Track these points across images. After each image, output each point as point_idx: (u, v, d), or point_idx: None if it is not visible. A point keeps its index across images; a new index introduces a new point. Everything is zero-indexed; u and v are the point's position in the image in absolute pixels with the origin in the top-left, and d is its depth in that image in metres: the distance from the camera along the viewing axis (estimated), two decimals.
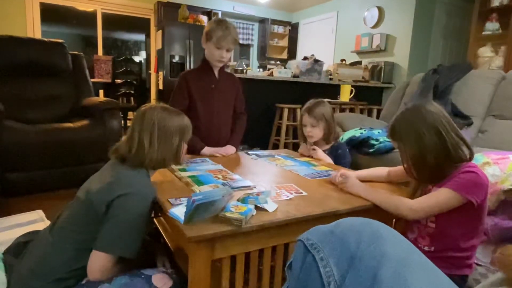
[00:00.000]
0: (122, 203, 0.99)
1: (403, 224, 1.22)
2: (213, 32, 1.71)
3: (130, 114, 5.16)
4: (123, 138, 1.16)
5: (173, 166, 1.47)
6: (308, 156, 1.83)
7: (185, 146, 1.23)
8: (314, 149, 1.79)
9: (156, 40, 6.25)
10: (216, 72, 1.87)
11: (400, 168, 1.29)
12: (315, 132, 1.78)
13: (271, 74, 3.99)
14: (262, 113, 3.89)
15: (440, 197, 1.05)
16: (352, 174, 1.37)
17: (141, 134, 1.11)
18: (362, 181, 1.29)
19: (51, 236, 1.05)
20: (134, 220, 1.00)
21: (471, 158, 1.11)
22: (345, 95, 4.02)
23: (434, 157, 1.08)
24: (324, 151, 1.81)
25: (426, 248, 1.13)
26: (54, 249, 1.02)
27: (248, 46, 7.39)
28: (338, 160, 1.80)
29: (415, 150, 1.11)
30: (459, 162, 1.08)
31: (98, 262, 0.98)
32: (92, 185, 1.06)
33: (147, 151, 1.10)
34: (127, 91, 4.82)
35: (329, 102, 3.62)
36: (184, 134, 1.19)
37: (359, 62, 5.21)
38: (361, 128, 2.56)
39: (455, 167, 1.08)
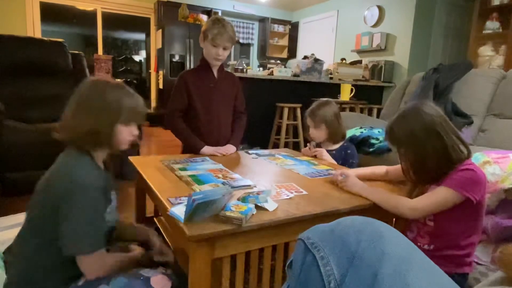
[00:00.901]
0: (66, 199, 0.92)
1: (403, 223, 1.22)
2: (209, 31, 1.72)
3: None
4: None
5: (173, 165, 1.47)
6: (310, 156, 1.83)
7: (130, 131, 1.08)
8: (316, 151, 1.79)
9: (156, 39, 6.25)
10: (215, 72, 1.87)
11: (398, 167, 1.29)
12: (317, 134, 1.79)
13: (271, 73, 3.99)
14: (262, 112, 3.88)
15: (439, 195, 1.06)
16: (352, 172, 1.37)
17: (69, 105, 1.01)
18: (361, 178, 1.29)
19: (17, 239, 1.00)
20: (86, 214, 0.93)
21: (469, 156, 1.11)
22: (345, 94, 4.02)
23: (435, 161, 1.08)
24: (332, 150, 1.81)
25: (425, 247, 1.13)
26: (18, 258, 0.98)
27: (248, 45, 7.38)
28: (346, 160, 1.79)
29: (415, 155, 1.11)
30: (459, 162, 1.08)
31: (82, 265, 0.95)
32: (44, 175, 1.00)
33: (76, 122, 0.99)
34: None
35: None
36: (119, 111, 1.03)
37: (359, 61, 5.21)
38: (361, 127, 2.56)
39: (454, 167, 1.08)
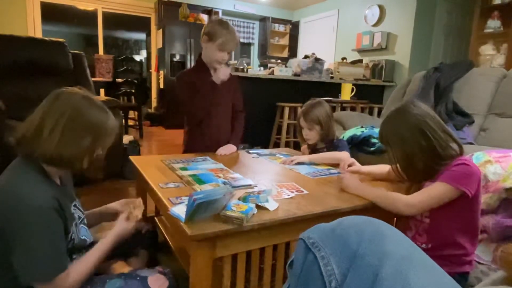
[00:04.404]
0: (14, 223, 0.82)
1: (404, 223, 1.22)
2: (217, 34, 1.71)
3: (131, 113, 5.16)
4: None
5: (174, 165, 1.47)
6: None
7: (97, 151, 0.98)
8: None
9: (156, 39, 6.25)
10: (212, 71, 1.87)
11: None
12: (311, 135, 1.78)
13: (272, 73, 3.98)
14: (263, 112, 3.88)
15: (435, 191, 1.06)
16: (359, 168, 1.41)
17: (44, 117, 0.89)
18: (367, 175, 1.30)
19: None
20: (40, 238, 0.83)
21: (461, 153, 1.11)
22: (346, 93, 4.01)
23: (422, 161, 1.09)
24: (322, 148, 1.81)
25: (424, 246, 1.13)
26: None
27: (249, 44, 7.38)
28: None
29: (402, 155, 1.13)
30: (449, 159, 1.09)
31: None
32: None
33: (44, 139, 0.88)
34: (128, 90, 4.81)
35: (330, 101, 3.64)
36: (101, 135, 0.95)
37: (360, 61, 5.20)
38: (362, 127, 2.55)
39: (446, 164, 1.09)
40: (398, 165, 1.18)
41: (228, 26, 1.74)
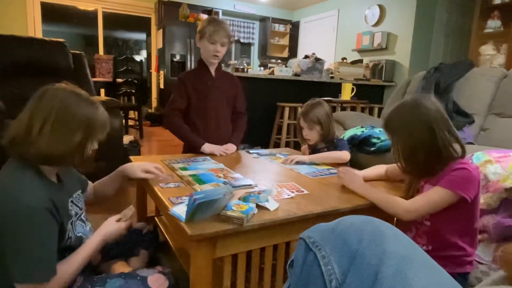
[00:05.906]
0: (8, 223, 0.80)
1: (404, 223, 1.22)
2: (206, 29, 1.76)
3: (131, 113, 5.16)
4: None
5: (174, 165, 1.47)
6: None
7: (92, 146, 0.97)
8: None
9: (156, 39, 6.25)
10: (212, 71, 1.88)
11: (396, 165, 1.30)
12: (311, 135, 1.78)
13: (272, 73, 3.98)
14: (263, 112, 3.88)
15: (434, 196, 1.06)
16: (357, 172, 1.39)
17: (32, 117, 0.87)
18: (366, 180, 1.29)
19: None
20: (33, 239, 0.82)
21: (463, 156, 1.11)
22: (346, 93, 4.01)
23: (424, 154, 1.09)
24: (323, 148, 1.81)
25: (424, 248, 1.13)
26: None
27: (249, 44, 7.38)
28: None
29: (405, 145, 1.12)
30: (450, 160, 1.09)
31: None
32: None
33: (35, 138, 0.86)
34: (128, 90, 4.81)
35: (330, 101, 3.64)
36: (91, 130, 0.93)
37: (360, 61, 5.20)
38: (362, 127, 2.55)
39: (446, 165, 1.08)
40: (398, 154, 1.16)
41: (215, 20, 1.78)
